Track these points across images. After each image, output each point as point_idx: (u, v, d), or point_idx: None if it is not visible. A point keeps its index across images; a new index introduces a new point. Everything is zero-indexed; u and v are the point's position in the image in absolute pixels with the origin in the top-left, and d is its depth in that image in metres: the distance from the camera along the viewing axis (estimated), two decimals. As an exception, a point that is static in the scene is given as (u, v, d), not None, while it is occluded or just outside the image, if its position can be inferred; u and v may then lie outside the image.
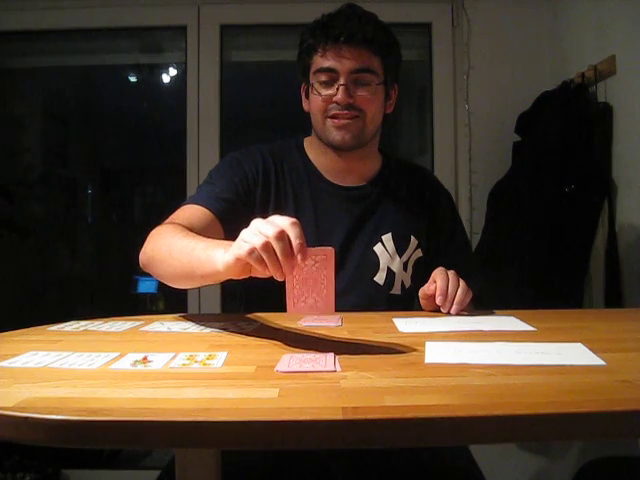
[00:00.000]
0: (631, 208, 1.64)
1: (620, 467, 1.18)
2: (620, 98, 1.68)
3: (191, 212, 1.09)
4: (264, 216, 0.75)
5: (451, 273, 1.05)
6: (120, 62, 2.62)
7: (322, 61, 1.14)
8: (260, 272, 0.72)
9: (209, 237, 0.92)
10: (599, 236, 1.72)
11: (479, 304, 1.11)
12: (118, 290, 2.70)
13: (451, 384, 0.60)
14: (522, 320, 0.95)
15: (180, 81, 2.41)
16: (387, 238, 1.21)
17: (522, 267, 1.82)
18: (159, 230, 1.01)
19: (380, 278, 1.20)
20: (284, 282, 0.74)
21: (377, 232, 1.22)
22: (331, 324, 0.95)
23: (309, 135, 1.26)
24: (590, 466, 1.20)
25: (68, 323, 0.97)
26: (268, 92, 2.63)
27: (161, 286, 1.07)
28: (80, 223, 2.81)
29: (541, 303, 1.13)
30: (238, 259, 0.73)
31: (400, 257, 1.22)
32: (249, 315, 1.05)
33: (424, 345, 0.76)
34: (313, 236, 0.72)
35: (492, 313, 1.05)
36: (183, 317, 1.03)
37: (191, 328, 0.93)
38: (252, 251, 0.70)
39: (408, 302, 1.24)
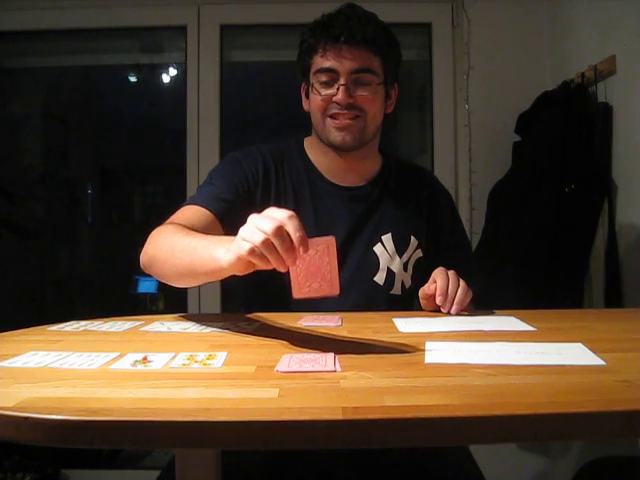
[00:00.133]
0: (631, 208, 1.64)
1: (620, 467, 1.18)
2: (620, 98, 1.68)
3: (191, 213, 1.09)
4: None
5: (451, 273, 1.05)
6: (120, 62, 2.62)
7: (322, 61, 1.14)
8: (263, 267, 0.72)
9: None
10: (599, 236, 1.72)
11: (479, 304, 1.11)
12: (118, 290, 2.69)
13: (451, 384, 0.60)
14: (522, 320, 0.95)
15: (180, 81, 2.41)
16: (387, 238, 1.21)
17: (522, 267, 1.82)
18: (159, 230, 1.01)
19: (380, 278, 1.20)
20: (287, 272, 0.74)
21: (377, 232, 1.22)
22: (331, 324, 0.95)
23: (309, 135, 1.26)
24: (590, 466, 1.20)
25: (68, 323, 0.97)
26: (268, 92, 2.63)
27: (161, 286, 1.08)
28: (80, 223, 2.81)
29: (541, 303, 1.13)
30: (240, 258, 0.73)
31: (400, 257, 1.22)
32: (249, 315, 1.05)
33: (424, 345, 0.76)
34: (313, 236, 0.72)
35: (492, 313, 1.05)
36: (183, 317, 1.03)
37: (191, 328, 0.93)
38: (253, 250, 0.71)
39: (408, 302, 1.24)
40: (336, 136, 1.16)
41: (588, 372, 0.64)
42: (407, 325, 0.94)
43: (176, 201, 1.17)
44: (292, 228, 0.70)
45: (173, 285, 0.98)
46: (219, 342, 0.83)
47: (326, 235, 0.74)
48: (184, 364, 0.68)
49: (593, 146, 1.71)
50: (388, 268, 1.20)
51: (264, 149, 1.22)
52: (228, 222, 1.08)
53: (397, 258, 1.21)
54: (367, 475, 0.99)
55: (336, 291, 0.74)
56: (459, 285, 1.04)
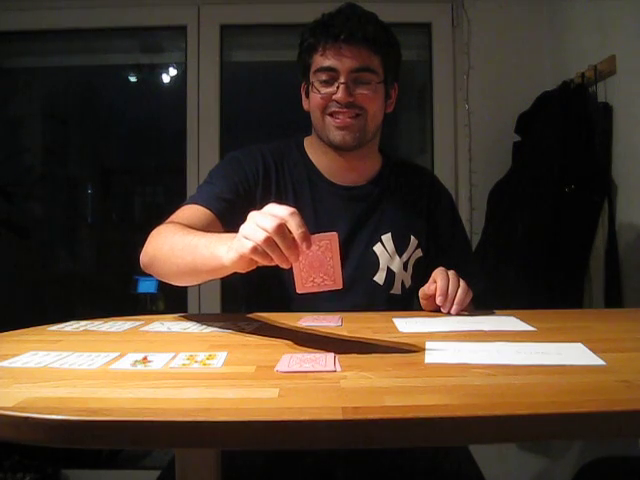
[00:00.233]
0: (631, 208, 1.64)
1: (620, 467, 1.18)
2: (620, 98, 1.68)
3: (191, 212, 1.09)
4: None
5: (451, 273, 1.05)
6: (120, 62, 2.62)
7: (322, 60, 1.14)
8: (266, 264, 0.72)
9: None
10: (599, 236, 1.72)
11: (479, 304, 1.11)
12: (118, 290, 2.69)
13: (451, 384, 0.60)
14: (522, 320, 0.95)
15: (180, 81, 2.41)
16: (387, 238, 1.21)
17: (522, 267, 1.82)
18: (159, 230, 1.01)
19: (380, 278, 1.20)
20: (290, 268, 0.74)
21: (377, 232, 1.22)
22: (331, 324, 0.95)
23: (309, 135, 1.26)
24: (590, 466, 1.20)
25: (68, 323, 0.97)
26: (268, 92, 2.63)
27: (161, 286, 1.08)
28: (80, 223, 2.81)
29: (541, 303, 1.13)
30: (242, 256, 0.73)
31: (400, 257, 1.22)
32: (249, 315, 1.05)
33: (424, 345, 0.76)
34: (311, 233, 0.72)
35: (492, 313, 1.05)
36: (183, 317, 1.03)
37: (191, 328, 0.93)
38: (255, 249, 0.71)
39: (408, 302, 1.24)
40: (336, 135, 1.16)
41: (588, 372, 0.64)
42: (407, 325, 0.94)
43: (176, 201, 1.17)
44: (294, 225, 0.70)
45: (174, 284, 0.98)
46: (219, 342, 0.83)
47: (328, 232, 0.74)
48: (184, 364, 0.68)
49: (593, 146, 1.71)
50: (388, 268, 1.20)
51: (264, 149, 1.22)
52: (228, 221, 1.08)
53: (397, 258, 1.21)
54: (367, 475, 0.99)
55: (339, 285, 0.74)
56: (459, 285, 1.04)
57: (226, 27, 2.30)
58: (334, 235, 0.73)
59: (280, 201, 1.15)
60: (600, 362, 0.67)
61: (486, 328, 0.89)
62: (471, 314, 1.03)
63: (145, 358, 0.70)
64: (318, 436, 0.51)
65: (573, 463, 1.84)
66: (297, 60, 1.21)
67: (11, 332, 0.89)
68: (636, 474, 1.14)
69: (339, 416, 0.50)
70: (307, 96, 1.21)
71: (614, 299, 1.63)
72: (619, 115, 1.68)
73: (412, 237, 1.23)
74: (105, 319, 1.01)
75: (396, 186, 1.27)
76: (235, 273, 0.80)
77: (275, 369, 0.65)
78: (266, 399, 0.55)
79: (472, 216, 2.11)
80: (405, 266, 1.22)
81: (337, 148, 1.18)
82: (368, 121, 1.16)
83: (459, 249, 1.29)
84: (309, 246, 0.70)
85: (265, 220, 0.71)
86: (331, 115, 1.15)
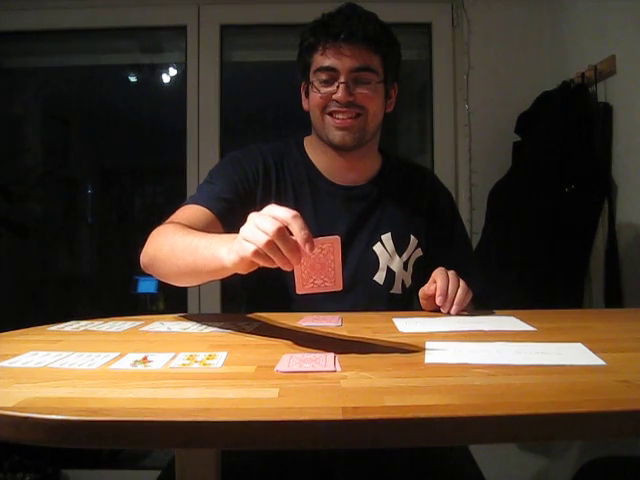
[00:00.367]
0: (631, 208, 1.64)
1: (620, 467, 1.18)
2: (620, 98, 1.68)
3: (191, 212, 1.09)
4: None
5: (451, 273, 1.05)
6: (120, 62, 2.62)
7: (322, 59, 1.14)
8: (268, 266, 0.72)
9: None
10: (599, 236, 1.72)
11: (480, 304, 1.11)
12: (118, 290, 2.69)
13: (451, 384, 0.60)
14: (522, 320, 0.95)
15: (180, 81, 2.41)
16: (386, 237, 1.21)
17: (522, 267, 1.82)
18: (160, 230, 1.01)
19: (380, 278, 1.20)
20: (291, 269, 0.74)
21: (377, 231, 1.22)
22: (331, 324, 0.95)
23: (309, 135, 1.26)
24: (590, 466, 1.20)
25: (68, 323, 0.97)
26: (268, 92, 2.63)
27: (161, 286, 1.08)
28: (80, 223, 2.81)
29: (541, 303, 1.13)
30: (243, 259, 0.73)
31: (400, 256, 1.22)
32: (249, 315, 1.05)
33: (424, 345, 0.76)
34: (313, 235, 0.72)
35: (492, 313, 1.05)
36: (183, 317, 1.03)
37: (191, 328, 0.93)
38: (257, 252, 0.70)
39: (408, 302, 1.24)
40: (335, 135, 1.16)
41: (588, 372, 0.64)
42: (407, 325, 0.94)
43: (176, 201, 1.17)
44: (297, 227, 0.70)
45: (175, 284, 0.98)
46: (219, 342, 0.83)
47: (329, 234, 0.74)
48: (184, 364, 0.68)
49: (593, 146, 1.71)
50: (388, 267, 1.20)
51: (264, 148, 1.22)
52: (228, 221, 1.08)
53: (397, 257, 1.21)
54: (367, 475, 0.99)
55: (339, 287, 0.75)
56: (459, 285, 1.04)
57: (226, 27, 2.30)
58: (337, 239, 0.74)
59: (280, 201, 1.17)
60: (600, 362, 0.67)
61: (486, 328, 0.89)
62: (471, 314, 1.03)
63: (145, 358, 0.70)
64: (318, 436, 0.51)
65: (573, 463, 1.84)
66: (297, 60, 1.21)
67: (11, 332, 0.89)
68: (636, 474, 1.14)
69: (339, 416, 0.50)
70: (307, 96, 1.21)
71: (614, 299, 1.63)
72: (619, 115, 1.68)
73: (412, 237, 1.23)
74: (105, 319, 1.01)
75: (396, 186, 1.27)
76: (235, 274, 0.80)
77: (275, 369, 0.65)
78: (266, 399, 0.55)
79: (472, 216, 2.11)
80: (405, 266, 1.22)
81: (337, 148, 1.18)
82: (368, 121, 1.16)
83: (459, 248, 1.29)
84: (312, 249, 0.70)
85: (265, 222, 0.70)
86: (331, 115, 1.15)
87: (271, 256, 0.70)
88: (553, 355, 0.70)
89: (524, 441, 1.66)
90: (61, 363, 0.68)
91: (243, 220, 0.75)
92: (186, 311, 2.22)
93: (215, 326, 0.93)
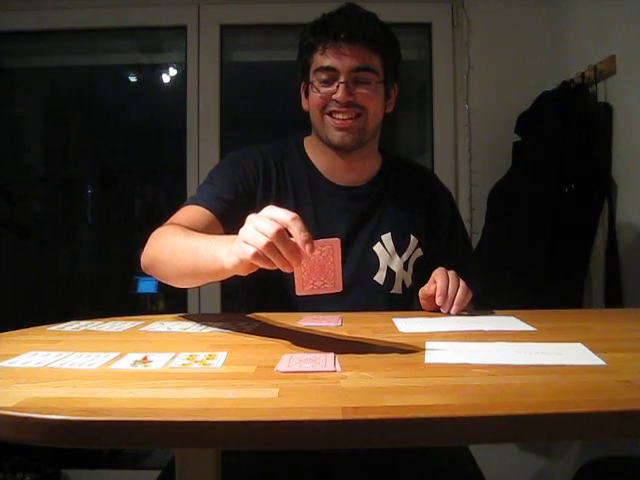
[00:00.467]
0: (631, 208, 1.64)
1: (620, 467, 1.18)
2: (620, 98, 1.68)
3: (191, 213, 1.09)
4: None
5: (451, 273, 1.05)
6: (120, 62, 2.62)
7: (322, 59, 1.14)
8: (267, 267, 0.72)
9: None
10: (599, 236, 1.72)
11: (480, 304, 1.11)
12: (118, 290, 2.69)
13: (451, 384, 0.60)
14: (522, 320, 0.95)
15: (180, 81, 2.41)
16: (386, 237, 1.21)
17: (522, 267, 1.82)
18: (160, 231, 1.01)
19: (380, 278, 1.20)
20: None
21: (377, 232, 1.22)
22: (331, 324, 0.95)
23: (309, 135, 1.26)
24: (590, 466, 1.20)
25: (68, 323, 0.97)
26: (268, 92, 2.63)
27: (161, 286, 1.08)
28: (80, 223, 2.81)
29: (541, 303, 1.13)
30: (243, 261, 0.73)
31: (400, 256, 1.22)
32: (249, 315, 1.05)
33: (424, 345, 0.76)
34: (313, 235, 0.72)
35: (492, 313, 1.05)
36: (183, 317, 1.03)
37: (191, 328, 0.93)
38: (256, 254, 0.70)
39: (409, 301, 1.24)
40: (335, 135, 1.16)
41: (588, 372, 0.64)
42: (407, 325, 0.94)
43: (176, 201, 1.18)
44: (296, 229, 0.70)
45: (175, 286, 0.98)
46: (219, 342, 0.83)
47: (329, 236, 0.74)
48: (184, 364, 0.68)
49: (593, 146, 1.71)
50: (388, 267, 1.20)
51: (264, 148, 1.22)
52: (228, 222, 1.08)
53: (397, 257, 1.21)
54: (367, 475, 0.99)
55: (339, 288, 0.75)
56: (459, 285, 1.04)
57: (226, 27, 2.30)
58: (337, 241, 0.74)
59: (280, 201, 1.17)
60: (600, 362, 0.67)
61: (486, 328, 0.89)
62: (471, 314, 1.03)
63: (145, 358, 0.70)
64: (318, 436, 0.51)
65: (573, 463, 1.84)
66: (297, 60, 1.21)
67: (11, 332, 0.89)
68: (636, 474, 1.15)
69: (339, 416, 0.50)
70: (306, 96, 1.21)
71: (614, 299, 1.63)
72: (619, 115, 1.68)
73: (412, 236, 1.23)
74: (105, 319, 1.01)
75: (396, 186, 1.27)
76: (235, 276, 0.80)
77: (275, 369, 0.65)
78: (266, 399, 0.55)
79: (472, 216, 2.11)
80: (405, 265, 1.22)
81: (336, 148, 1.18)
82: (368, 121, 1.16)
83: (459, 248, 1.29)
84: (312, 250, 0.70)
85: (265, 224, 0.70)
86: (330, 114, 1.15)
87: (271, 258, 0.70)
88: (553, 355, 0.70)
89: (524, 441, 1.66)
90: (61, 363, 0.68)
91: (243, 221, 0.75)
92: (186, 311, 2.22)
93: (215, 326, 0.93)
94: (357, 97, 1.13)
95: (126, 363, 0.68)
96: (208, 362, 0.69)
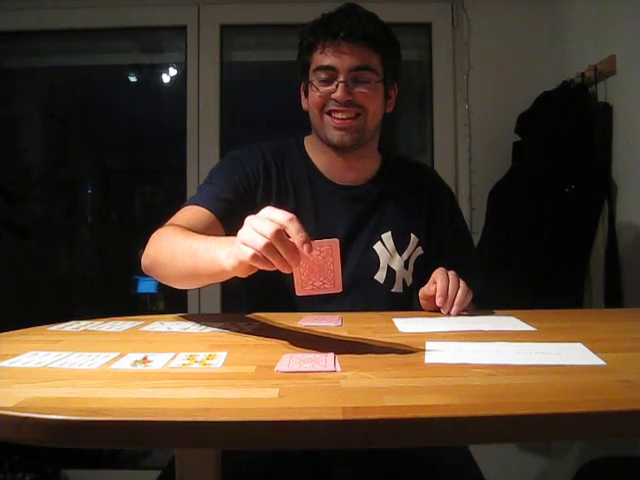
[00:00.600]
0: (631, 208, 1.64)
1: (620, 467, 1.18)
2: (620, 98, 1.68)
3: (191, 213, 1.08)
4: None
5: (451, 274, 1.05)
6: (120, 62, 2.62)
7: (322, 58, 1.14)
8: (267, 269, 0.72)
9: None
10: (599, 236, 1.72)
11: (481, 303, 1.11)
12: (118, 290, 2.69)
13: (451, 384, 0.60)
14: (522, 320, 0.95)
15: (180, 81, 2.41)
16: (387, 237, 1.21)
17: (522, 267, 1.82)
18: (160, 233, 1.01)
19: (380, 277, 1.20)
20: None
21: (377, 231, 1.22)
22: (331, 324, 0.95)
23: (309, 134, 1.26)
24: (590, 466, 1.20)
25: (68, 323, 0.97)
26: (268, 92, 2.63)
27: (161, 286, 1.07)
28: (80, 223, 2.81)
29: (541, 303, 1.13)
30: (242, 263, 0.73)
31: (400, 255, 1.21)
32: (249, 315, 1.05)
33: (424, 345, 0.76)
34: (313, 235, 0.72)
35: (492, 313, 1.05)
36: (183, 317, 1.03)
37: (191, 328, 0.93)
38: (255, 256, 0.70)
39: (410, 300, 1.23)
40: (334, 135, 1.15)
41: (588, 372, 0.64)
42: (407, 325, 0.94)
43: (176, 201, 1.17)
44: (294, 230, 0.70)
45: (176, 287, 0.98)
46: (219, 342, 0.83)
47: (328, 237, 0.74)
48: (184, 364, 0.68)
49: (593, 146, 1.71)
50: (388, 266, 1.20)
51: (264, 148, 1.22)
52: (229, 222, 1.08)
53: (397, 256, 1.21)
54: (367, 475, 0.99)
55: (339, 289, 0.75)
56: (459, 286, 1.03)
57: (226, 27, 2.30)
58: (335, 241, 0.74)
59: (281, 201, 1.17)
60: (600, 362, 0.67)
61: (486, 328, 0.89)
62: (471, 314, 1.03)
63: (145, 358, 0.70)
64: (318, 436, 0.51)
65: (573, 463, 1.84)
66: (297, 59, 1.21)
67: (11, 332, 0.89)
68: (636, 474, 1.14)
69: (339, 416, 0.50)
70: (306, 95, 1.21)
71: (614, 299, 1.63)
72: (619, 115, 1.68)
73: (412, 235, 1.23)
74: (105, 319, 1.01)
75: (396, 185, 1.26)
76: (235, 277, 0.80)
77: (275, 369, 0.65)
78: (266, 399, 0.55)
79: (472, 216, 2.11)
80: (406, 264, 1.22)
81: (335, 148, 1.18)
82: (367, 121, 1.16)
83: (460, 247, 1.29)
84: (310, 250, 0.70)
85: (263, 225, 0.70)
86: (330, 114, 1.15)
87: (270, 259, 0.70)
88: (553, 355, 0.70)
89: (524, 441, 1.66)
90: (61, 363, 0.68)
91: (243, 220, 0.75)
92: (186, 311, 2.22)
93: (215, 326, 0.93)
94: (356, 96, 1.13)
95: (126, 363, 0.68)
96: (208, 362, 0.69)
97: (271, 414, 0.51)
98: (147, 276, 1.03)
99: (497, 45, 2.16)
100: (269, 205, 0.74)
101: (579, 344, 0.75)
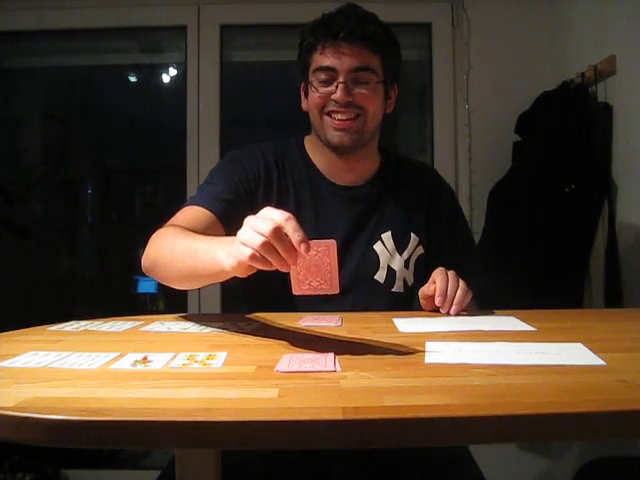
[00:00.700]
0: (631, 208, 1.64)
1: (620, 467, 1.18)
2: (620, 98, 1.68)
3: (192, 214, 1.08)
4: None
5: (451, 273, 1.05)
6: (120, 62, 2.62)
7: (321, 59, 1.13)
8: (266, 268, 0.72)
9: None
10: (599, 236, 1.72)
11: (482, 302, 1.11)
12: (118, 290, 2.69)
13: (451, 384, 0.60)
14: (522, 320, 0.95)
15: (180, 81, 2.41)
16: (387, 236, 1.21)
17: (522, 267, 1.82)
18: (160, 233, 1.01)
19: (380, 277, 1.20)
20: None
21: (377, 231, 1.22)
22: (331, 324, 0.95)
23: (309, 134, 1.26)
24: (590, 466, 1.20)
25: (68, 323, 0.97)
26: (268, 92, 2.63)
27: (161, 286, 1.07)
28: (80, 223, 2.81)
29: (541, 303, 1.13)
30: (241, 263, 0.73)
31: (400, 255, 1.21)
32: (249, 315, 1.05)
33: (424, 345, 0.76)
34: (313, 236, 0.72)
35: (492, 313, 1.05)
36: (183, 317, 1.03)
37: (191, 328, 0.93)
38: (254, 255, 0.70)
39: (411, 300, 1.23)
40: (334, 136, 1.15)
41: (588, 372, 0.64)
42: (407, 325, 0.94)
43: (176, 201, 1.17)
44: (291, 229, 0.70)
45: (176, 287, 0.98)
46: (219, 342, 0.83)
47: (327, 238, 0.74)
48: (184, 364, 0.68)
49: (593, 146, 1.71)
50: (388, 266, 1.20)
51: (265, 148, 1.22)
52: (229, 222, 1.08)
53: (397, 256, 1.21)
54: (367, 475, 0.99)
55: (335, 290, 0.75)
56: (458, 286, 1.03)
57: (226, 27, 2.30)
58: (332, 242, 0.74)
59: (281, 201, 1.17)
60: (600, 362, 0.67)
61: (486, 328, 0.89)
62: (471, 314, 1.03)
63: (145, 358, 0.70)
64: (318, 436, 0.51)
65: (573, 463, 1.84)
66: (297, 60, 1.21)
67: (11, 332, 0.89)
68: (636, 474, 1.14)
69: (339, 416, 0.50)
70: (306, 96, 1.21)
71: (614, 299, 1.63)
72: (619, 115, 1.68)
73: (412, 235, 1.23)
74: (105, 319, 1.01)
75: (395, 184, 1.26)
76: (235, 277, 0.80)
77: (275, 369, 0.65)
78: (266, 399, 0.55)
79: (472, 216, 2.11)
80: (406, 264, 1.22)
81: (335, 149, 1.18)
82: (367, 121, 1.16)
83: (460, 246, 1.29)
84: (308, 250, 0.70)
85: (261, 224, 0.70)
86: (329, 115, 1.15)
87: (267, 257, 0.70)
88: (553, 355, 0.70)
89: (524, 441, 1.66)
90: (61, 363, 0.68)
91: (243, 221, 0.75)
92: (186, 311, 2.22)
93: (215, 326, 0.93)
94: (356, 97, 1.13)
95: (126, 363, 0.68)
96: (208, 362, 0.69)
97: (271, 414, 0.51)
98: (147, 276, 1.03)
99: (497, 45, 2.16)
100: (269, 205, 0.74)
101: (579, 344, 0.75)
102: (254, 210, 0.75)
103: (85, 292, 2.74)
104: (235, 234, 0.76)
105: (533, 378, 0.61)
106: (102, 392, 0.57)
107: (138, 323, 0.97)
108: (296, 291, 0.75)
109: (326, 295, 0.76)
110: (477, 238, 2.02)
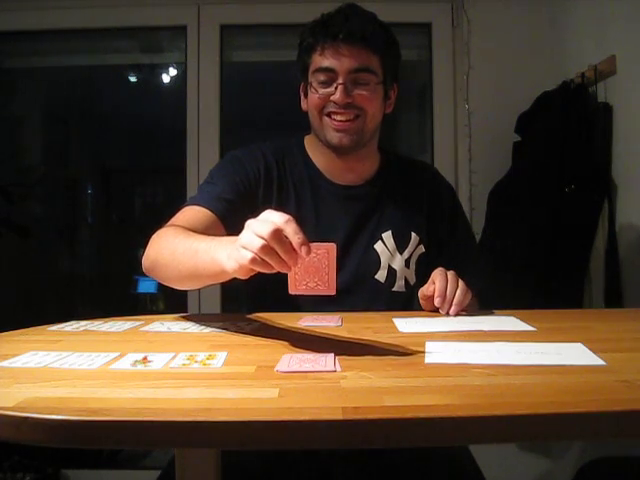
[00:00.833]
0: (631, 208, 1.64)
1: (620, 467, 1.18)
2: (620, 98, 1.68)
3: (192, 214, 1.08)
4: None
5: (450, 274, 1.05)
6: (120, 62, 2.62)
7: (321, 60, 1.13)
8: (266, 271, 0.73)
9: None
10: (599, 236, 1.72)
11: (483, 302, 1.11)
12: (118, 290, 2.70)
13: (451, 384, 0.60)
14: (522, 320, 0.95)
15: (180, 81, 2.41)
16: (387, 236, 1.21)
17: (522, 267, 1.82)
18: (160, 234, 1.01)
19: (381, 276, 1.20)
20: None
21: (377, 230, 1.21)
22: (331, 324, 0.95)
23: (309, 134, 1.26)
24: (590, 466, 1.20)
25: (68, 323, 0.97)
26: (268, 92, 2.63)
27: (161, 286, 1.07)
28: (80, 223, 2.81)
29: (541, 303, 1.13)
30: (242, 266, 0.73)
31: (401, 254, 1.21)
32: (249, 315, 1.05)
33: (424, 345, 0.76)
34: (313, 236, 0.72)
35: (492, 313, 1.05)
36: (183, 317, 1.03)
37: (191, 328, 0.93)
38: (254, 259, 0.71)
39: (412, 299, 1.23)
40: (333, 136, 1.15)
41: (588, 372, 0.64)
42: (407, 325, 0.94)
43: (176, 201, 1.17)
44: (291, 231, 0.70)
45: (177, 288, 0.98)
46: (219, 342, 0.83)
47: (328, 238, 0.74)
48: (184, 364, 0.68)
49: (593, 146, 1.71)
50: (389, 266, 1.20)
51: (265, 147, 1.22)
52: (230, 222, 1.08)
53: (398, 255, 1.21)
54: (367, 475, 0.99)
55: (332, 292, 0.75)
56: (458, 286, 1.03)
57: (226, 27, 2.30)
58: (332, 246, 0.74)
59: (281, 201, 1.17)
60: (600, 362, 0.67)
61: (486, 328, 0.89)
62: (470, 314, 1.03)
63: (145, 358, 0.70)
64: (318, 436, 0.51)
65: (573, 463, 1.84)
66: (296, 60, 1.21)
67: (11, 332, 0.89)
68: (636, 474, 1.15)
69: (339, 416, 0.50)
70: (306, 96, 1.20)
71: (614, 299, 1.63)
72: (619, 115, 1.68)
73: (413, 234, 1.23)
74: (105, 319, 1.01)
75: (396, 184, 1.26)
76: (235, 278, 0.80)
77: (275, 369, 0.65)
78: (266, 399, 0.55)
79: (472, 216, 2.11)
80: (407, 263, 1.22)
81: (334, 149, 1.18)
82: (367, 122, 1.16)
83: (461, 245, 1.28)
84: (308, 252, 0.70)
85: (261, 227, 0.71)
86: (329, 116, 1.14)
87: (268, 260, 0.70)
88: (553, 355, 0.70)
89: (524, 441, 1.66)
90: (61, 363, 0.68)
91: (244, 220, 0.75)
92: (186, 311, 2.22)
93: (215, 326, 0.93)
94: (356, 98, 1.13)
95: (126, 363, 0.68)
96: (208, 362, 0.69)
97: (271, 414, 0.51)
98: (147, 276, 1.03)
99: (497, 45, 2.16)
100: (270, 205, 0.74)
101: (579, 344, 0.75)
102: (254, 210, 0.75)
103: (85, 292, 2.75)
104: (236, 234, 0.76)
105: (533, 378, 0.61)
106: (102, 392, 0.57)
107: (138, 323, 0.97)
108: (292, 291, 0.76)
109: (326, 295, 0.76)
110: (477, 238, 2.02)
